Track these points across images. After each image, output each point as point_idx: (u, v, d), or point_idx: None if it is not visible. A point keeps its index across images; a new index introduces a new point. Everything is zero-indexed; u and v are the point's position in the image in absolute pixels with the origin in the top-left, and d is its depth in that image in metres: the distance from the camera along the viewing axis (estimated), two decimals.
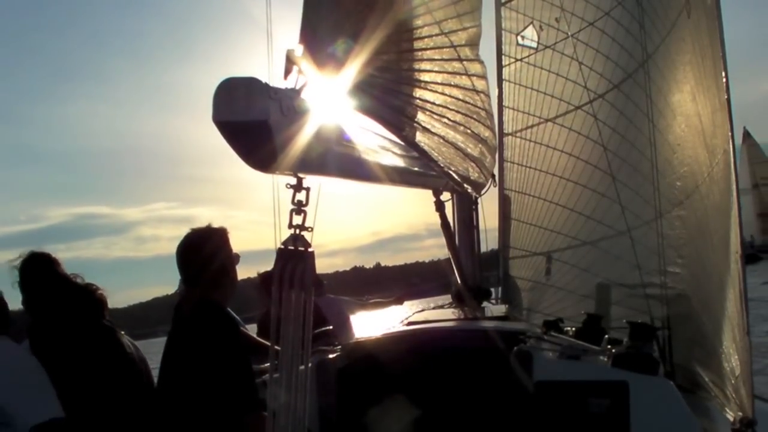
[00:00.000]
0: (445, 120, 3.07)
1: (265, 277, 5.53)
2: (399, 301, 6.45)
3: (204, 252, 3.16)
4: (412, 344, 3.53)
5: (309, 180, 2.15)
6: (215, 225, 3.23)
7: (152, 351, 3.60)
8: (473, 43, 3.52)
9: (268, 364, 2.23)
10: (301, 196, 2.12)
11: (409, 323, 4.16)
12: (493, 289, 5.94)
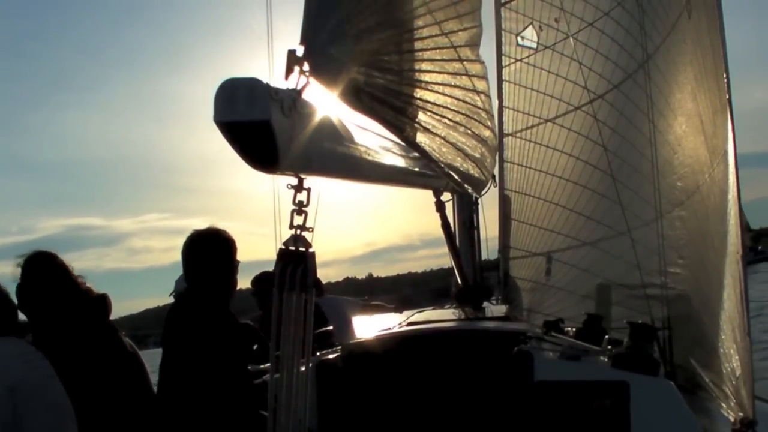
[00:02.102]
0: (446, 120, 3.07)
1: (259, 278, 5.59)
2: (398, 310, 6.38)
3: (204, 253, 3.19)
4: (412, 344, 3.53)
5: (309, 180, 2.15)
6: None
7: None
8: (473, 44, 3.52)
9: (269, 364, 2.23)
10: (302, 196, 2.12)
11: (410, 323, 4.16)
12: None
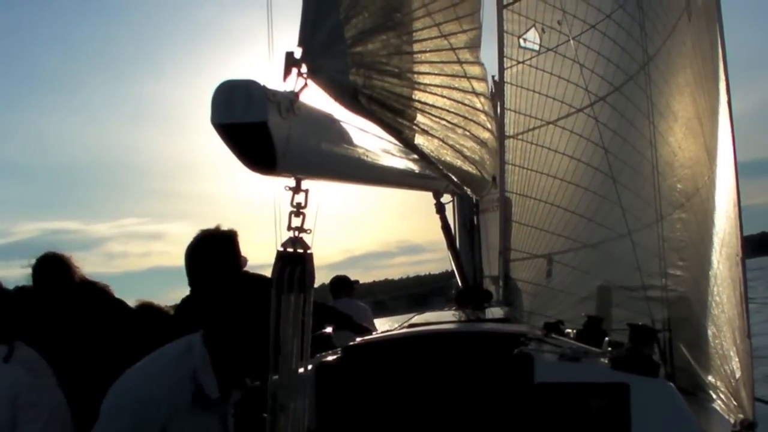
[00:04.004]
0: (445, 122, 3.08)
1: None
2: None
3: (210, 254, 3.18)
4: (412, 346, 3.53)
5: (307, 182, 2.15)
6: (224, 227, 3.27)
7: None
8: (473, 46, 3.52)
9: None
10: (299, 198, 2.12)
11: (410, 325, 4.16)
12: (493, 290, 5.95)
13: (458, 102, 3.25)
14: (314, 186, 2.17)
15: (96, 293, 3.37)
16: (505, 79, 6.05)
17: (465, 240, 5.75)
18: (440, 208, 4.98)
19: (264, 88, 1.88)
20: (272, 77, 1.99)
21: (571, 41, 5.44)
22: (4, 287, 3.04)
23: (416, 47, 2.78)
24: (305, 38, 2.07)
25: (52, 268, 3.35)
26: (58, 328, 3.10)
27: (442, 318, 4.56)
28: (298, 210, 2.12)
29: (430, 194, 4.86)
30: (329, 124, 2.35)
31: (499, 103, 5.93)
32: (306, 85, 2.05)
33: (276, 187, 2.22)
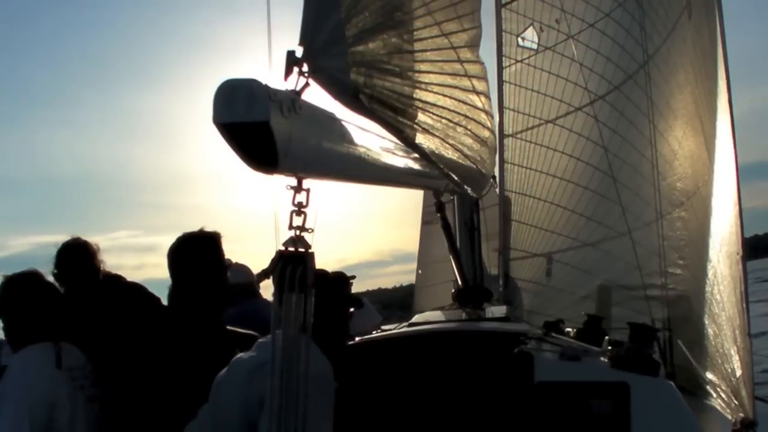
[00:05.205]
0: (446, 121, 3.07)
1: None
2: None
3: (193, 256, 3.14)
4: (413, 345, 3.53)
5: (308, 181, 2.15)
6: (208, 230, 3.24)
7: None
8: (473, 45, 3.52)
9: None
10: (301, 197, 2.11)
11: (411, 324, 4.17)
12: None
13: (459, 101, 3.25)
14: (315, 187, 2.16)
15: (119, 286, 3.38)
16: (503, 78, 6.04)
17: (465, 239, 5.74)
18: (440, 207, 4.97)
19: (266, 87, 1.87)
20: (271, 82, 1.99)
21: (570, 40, 5.44)
22: (47, 280, 3.01)
23: (417, 46, 2.77)
24: (306, 37, 2.06)
25: (77, 253, 3.35)
26: (92, 324, 3.08)
27: (443, 317, 4.56)
28: (299, 209, 2.12)
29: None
30: (331, 123, 2.34)
31: (498, 102, 5.92)
32: (307, 84, 2.04)
33: (276, 186, 2.22)
